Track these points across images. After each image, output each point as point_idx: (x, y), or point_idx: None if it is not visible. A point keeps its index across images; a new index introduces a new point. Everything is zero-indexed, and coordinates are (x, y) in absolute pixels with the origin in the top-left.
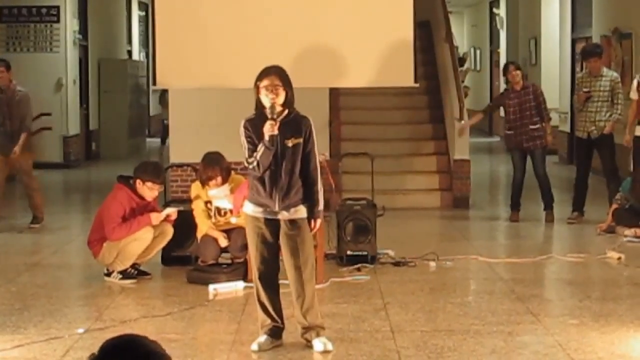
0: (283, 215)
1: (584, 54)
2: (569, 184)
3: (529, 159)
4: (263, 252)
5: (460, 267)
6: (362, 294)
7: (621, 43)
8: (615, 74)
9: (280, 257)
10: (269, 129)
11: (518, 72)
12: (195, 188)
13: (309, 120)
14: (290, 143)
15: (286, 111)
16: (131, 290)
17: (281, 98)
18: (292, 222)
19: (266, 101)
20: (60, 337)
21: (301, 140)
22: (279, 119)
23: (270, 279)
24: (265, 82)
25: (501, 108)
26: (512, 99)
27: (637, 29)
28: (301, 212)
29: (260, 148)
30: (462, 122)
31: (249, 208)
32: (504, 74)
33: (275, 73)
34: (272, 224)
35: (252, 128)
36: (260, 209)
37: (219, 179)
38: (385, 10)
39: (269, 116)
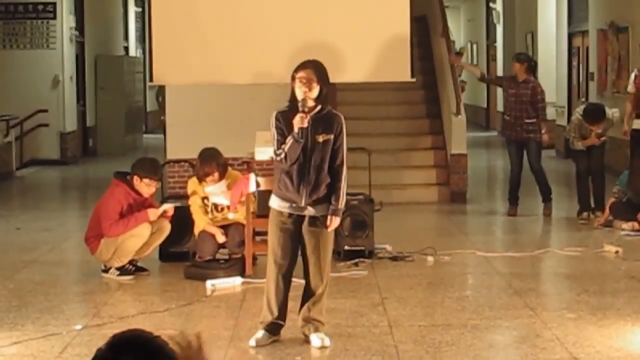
0: (309, 211)
1: (590, 120)
2: (566, 178)
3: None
4: (285, 248)
5: (457, 262)
6: (360, 289)
7: (618, 37)
8: (613, 112)
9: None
10: (299, 122)
11: (516, 64)
12: (192, 184)
13: (341, 117)
14: (320, 139)
15: (319, 107)
16: (129, 286)
17: (314, 92)
18: (317, 219)
19: (299, 93)
20: (58, 333)
21: (332, 136)
22: (310, 114)
23: (286, 275)
24: (300, 74)
25: (499, 100)
26: (512, 87)
27: (633, 22)
28: (326, 209)
29: (289, 140)
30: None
31: (275, 202)
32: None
33: (313, 67)
34: (297, 220)
35: (283, 120)
36: (287, 204)
37: (216, 174)
38: (381, 5)
39: (300, 109)
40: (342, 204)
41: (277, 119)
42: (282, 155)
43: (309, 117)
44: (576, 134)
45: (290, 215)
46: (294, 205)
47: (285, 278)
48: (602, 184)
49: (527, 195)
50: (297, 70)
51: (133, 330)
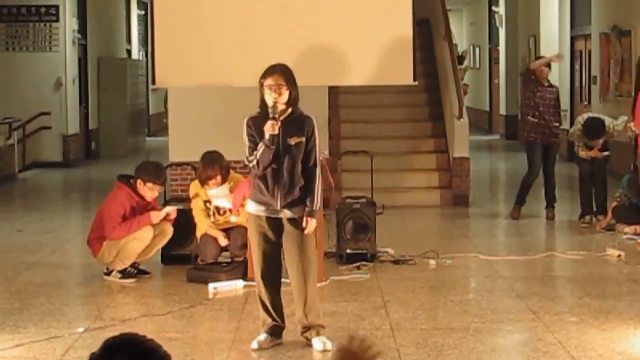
0: (285, 214)
1: (590, 135)
2: (569, 181)
3: None
4: (265, 251)
5: (460, 265)
6: (362, 292)
7: (620, 40)
8: (614, 122)
9: (283, 256)
10: (270, 128)
11: (546, 68)
12: (194, 187)
13: (312, 119)
14: (292, 142)
15: (289, 110)
16: (131, 289)
17: (284, 97)
18: (294, 221)
19: (269, 100)
20: (60, 336)
21: (303, 139)
22: (280, 118)
23: (272, 278)
24: (269, 81)
25: (502, 103)
26: (539, 91)
27: (636, 26)
28: (303, 211)
29: (261, 147)
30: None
31: (251, 207)
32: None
33: (280, 72)
34: (274, 223)
35: (254, 126)
36: (263, 208)
37: (219, 178)
38: (384, 8)
39: (271, 115)
40: (317, 205)
41: (248, 125)
42: (255, 162)
43: (279, 123)
44: (580, 143)
45: (267, 218)
46: (270, 208)
47: (271, 281)
48: (604, 188)
49: (530, 198)
50: (264, 76)
51: (126, 333)
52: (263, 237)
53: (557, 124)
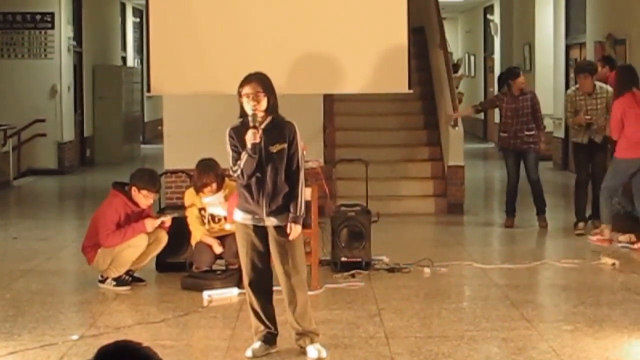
0: (271, 222)
1: (575, 70)
2: (564, 189)
3: (521, 164)
4: (253, 259)
5: (454, 273)
6: (357, 300)
7: (615, 49)
8: (610, 89)
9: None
10: (251, 137)
11: (519, 79)
12: (189, 195)
13: (293, 124)
14: (274, 149)
15: (269, 117)
16: (125, 296)
17: (263, 104)
18: (280, 229)
19: (248, 109)
20: (54, 343)
21: (285, 145)
22: (261, 127)
23: (261, 286)
24: (246, 90)
25: (496, 111)
26: (509, 103)
27: (631, 34)
28: (288, 218)
29: (244, 156)
30: (454, 113)
31: (238, 215)
32: (510, 78)
33: (257, 80)
34: (261, 231)
35: (236, 136)
36: (249, 216)
37: (214, 185)
38: (379, 16)
39: (251, 124)
40: (300, 210)
41: (230, 136)
42: (239, 172)
43: (260, 131)
44: (571, 110)
45: (254, 227)
46: (256, 216)
47: (261, 289)
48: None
49: (523, 207)
50: (242, 85)
51: (121, 341)
52: (251, 245)
53: (532, 132)
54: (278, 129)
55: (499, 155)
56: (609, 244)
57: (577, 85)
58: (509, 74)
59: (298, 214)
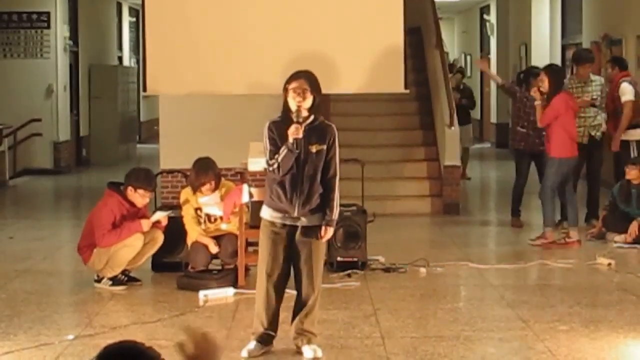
0: (301, 222)
1: (575, 58)
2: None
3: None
4: (276, 258)
5: (450, 273)
6: (353, 300)
7: (611, 49)
8: (602, 79)
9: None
10: (294, 132)
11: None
12: (186, 194)
13: (334, 128)
14: (314, 149)
15: (312, 117)
16: (121, 296)
17: (308, 102)
18: (309, 229)
19: (293, 104)
20: (50, 343)
21: (324, 147)
22: (304, 124)
23: (278, 285)
24: (293, 85)
25: (493, 111)
26: (530, 100)
27: (627, 35)
28: (319, 219)
29: (283, 150)
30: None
31: (266, 213)
32: (532, 77)
33: (305, 77)
34: (289, 230)
35: (276, 130)
36: (279, 215)
37: (212, 184)
38: (375, 16)
39: (295, 119)
40: (335, 214)
41: (269, 129)
42: (275, 166)
43: (303, 127)
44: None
45: (283, 225)
46: (287, 215)
47: (277, 289)
48: (597, 189)
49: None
50: (289, 81)
51: (126, 341)
52: (274, 244)
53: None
54: (319, 129)
55: (495, 155)
56: (579, 246)
57: (574, 74)
58: (529, 73)
59: (334, 217)
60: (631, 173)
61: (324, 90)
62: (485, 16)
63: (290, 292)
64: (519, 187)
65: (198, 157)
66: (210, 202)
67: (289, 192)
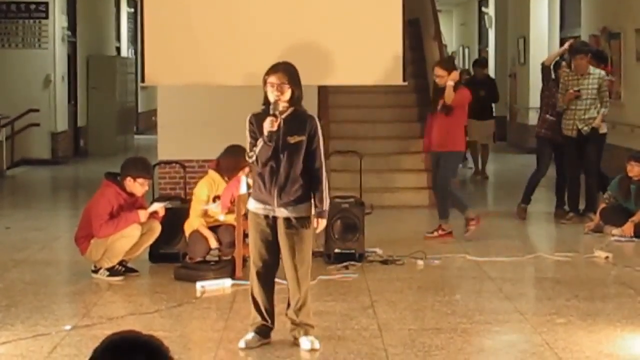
0: (281, 213)
1: (573, 51)
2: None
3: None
4: (262, 249)
5: (448, 266)
6: (350, 292)
7: (610, 43)
8: (602, 72)
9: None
10: (268, 125)
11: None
12: (209, 181)
13: (314, 119)
14: (292, 140)
15: (291, 108)
16: (119, 287)
17: (286, 95)
18: (290, 220)
19: (271, 97)
20: (47, 333)
21: (304, 138)
22: (281, 116)
23: (267, 277)
24: (271, 79)
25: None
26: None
27: (626, 28)
28: (300, 210)
29: (260, 143)
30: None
31: (251, 204)
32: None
33: (283, 70)
34: (271, 221)
35: (256, 122)
36: (261, 206)
37: (247, 169)
38: (374, 8)
39: (272, 112)
40: (326, 205)
41: (250, 122)
42: (254, 158)
43: (279, 120)
44: (562, 91)
45: (265, 217)
46: (267, 206)
47: (265, 280)
48: (593, 183)
49: (515, 199)
50: (268, 73)
51: (128, 331)
52: (260, 235)
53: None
54: (298, 120)
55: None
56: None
57: (571, 69)
58: (555, 66)
59: (324, 208)
60: (634, 170)
61: (322, 82)
62: (483, 9)
63: (283, 283)
64: (537, 176)
65: (230, 144)
66: (216, 210)
67: (267, 184)
